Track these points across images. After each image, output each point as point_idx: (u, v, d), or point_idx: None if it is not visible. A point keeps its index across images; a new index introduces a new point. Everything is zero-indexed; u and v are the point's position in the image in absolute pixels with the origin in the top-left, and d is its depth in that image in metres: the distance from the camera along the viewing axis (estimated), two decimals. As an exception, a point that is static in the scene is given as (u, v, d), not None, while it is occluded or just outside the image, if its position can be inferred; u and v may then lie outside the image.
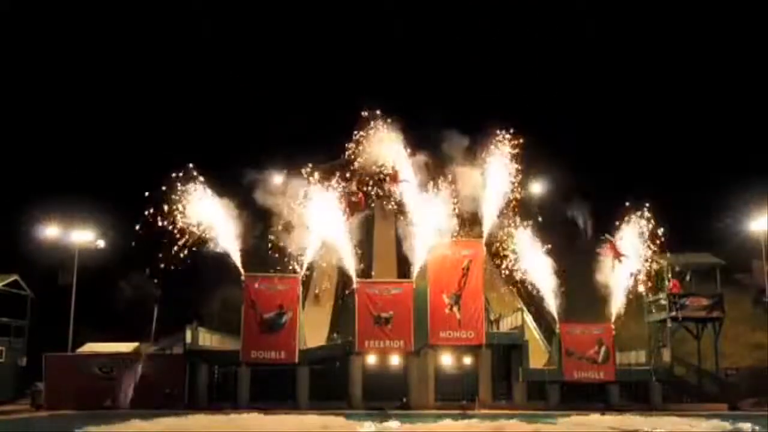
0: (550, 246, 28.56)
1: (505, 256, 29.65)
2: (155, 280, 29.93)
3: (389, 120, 29.48)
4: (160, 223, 27.33)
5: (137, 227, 26.99)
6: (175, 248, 27.17)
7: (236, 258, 27.75)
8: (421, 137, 30.81)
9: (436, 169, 30.18)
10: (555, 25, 56.57)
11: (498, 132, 29.35)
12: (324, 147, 32.78)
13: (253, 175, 28.62)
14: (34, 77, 47.07)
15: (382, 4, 57.66)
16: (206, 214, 27.48)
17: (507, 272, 30.40)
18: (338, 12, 59.62)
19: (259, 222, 29.12)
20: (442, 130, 29.85)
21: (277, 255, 28.23)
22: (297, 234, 28.02)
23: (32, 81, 46.76)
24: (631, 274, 28.48)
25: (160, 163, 28.41)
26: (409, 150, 29.76)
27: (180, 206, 27.07)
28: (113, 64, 50.99)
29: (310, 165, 29.50)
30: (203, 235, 27.25)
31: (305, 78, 55.99)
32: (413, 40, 57.34)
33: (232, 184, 28.77)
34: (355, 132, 29.84)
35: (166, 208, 27.22)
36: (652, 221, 28.53)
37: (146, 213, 27.12)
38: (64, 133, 44.37)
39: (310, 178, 28.75)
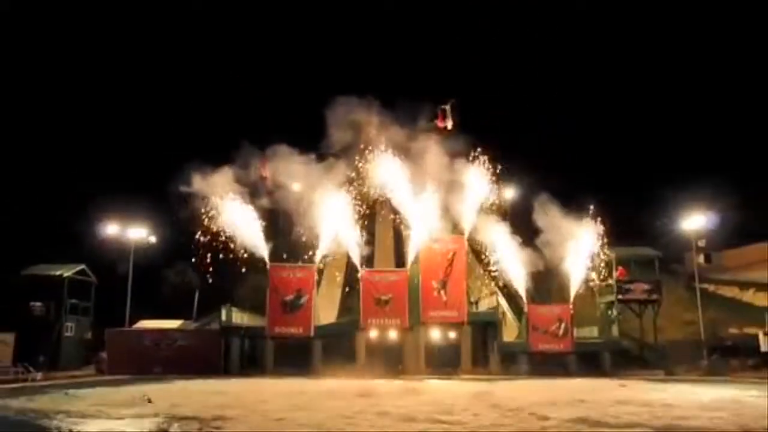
0: (519, 240, 28.73)
1: (484, 249, 29.84)
2: (196, 269, 30.01)
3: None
4: (199, 223, 27.41)
5: (181, 226, 27.15)
6: (212, 243, 27.32)
7: (263, 250, 27.93)
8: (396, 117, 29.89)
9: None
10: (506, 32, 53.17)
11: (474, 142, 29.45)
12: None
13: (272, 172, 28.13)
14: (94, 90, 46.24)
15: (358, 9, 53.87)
16: (235, 213, 27.64)
17: (485, 262, 30.55)
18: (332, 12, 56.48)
19: (279, 218, 29.09)
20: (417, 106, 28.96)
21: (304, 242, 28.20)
22: (311, 228, 28.13)
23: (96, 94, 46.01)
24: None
25: (196, 166, 28.10)
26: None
27: (213, 206, 27.24)
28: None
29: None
30: (233, 231, 27.39)
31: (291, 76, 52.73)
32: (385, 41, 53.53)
33: (254, 182, 28.50)
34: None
35: (203, 209, 27.38)
36: (602, 220, 28.78)
37: (187, 214, 27.27)
38: (121, 145, 44.20)
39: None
